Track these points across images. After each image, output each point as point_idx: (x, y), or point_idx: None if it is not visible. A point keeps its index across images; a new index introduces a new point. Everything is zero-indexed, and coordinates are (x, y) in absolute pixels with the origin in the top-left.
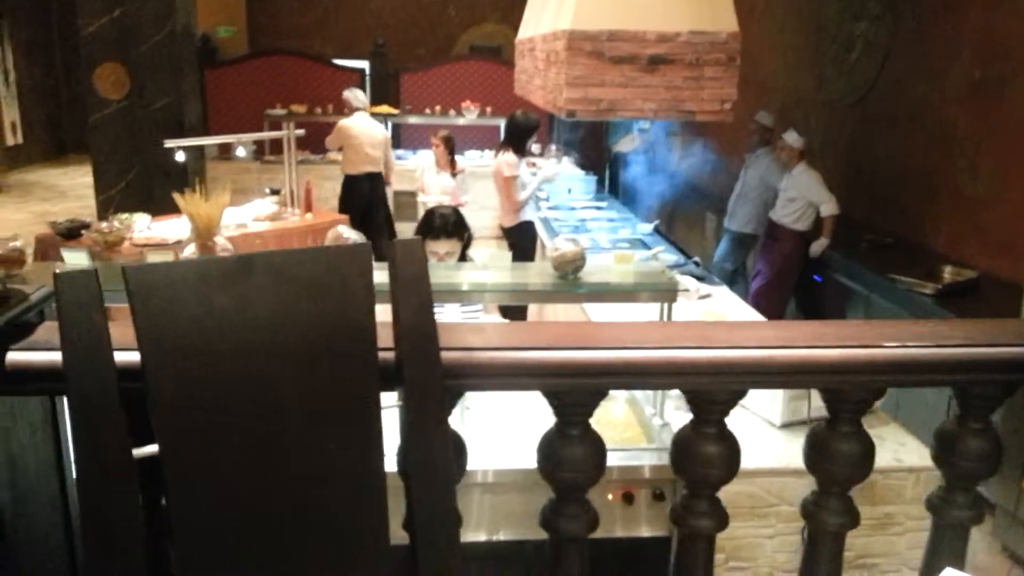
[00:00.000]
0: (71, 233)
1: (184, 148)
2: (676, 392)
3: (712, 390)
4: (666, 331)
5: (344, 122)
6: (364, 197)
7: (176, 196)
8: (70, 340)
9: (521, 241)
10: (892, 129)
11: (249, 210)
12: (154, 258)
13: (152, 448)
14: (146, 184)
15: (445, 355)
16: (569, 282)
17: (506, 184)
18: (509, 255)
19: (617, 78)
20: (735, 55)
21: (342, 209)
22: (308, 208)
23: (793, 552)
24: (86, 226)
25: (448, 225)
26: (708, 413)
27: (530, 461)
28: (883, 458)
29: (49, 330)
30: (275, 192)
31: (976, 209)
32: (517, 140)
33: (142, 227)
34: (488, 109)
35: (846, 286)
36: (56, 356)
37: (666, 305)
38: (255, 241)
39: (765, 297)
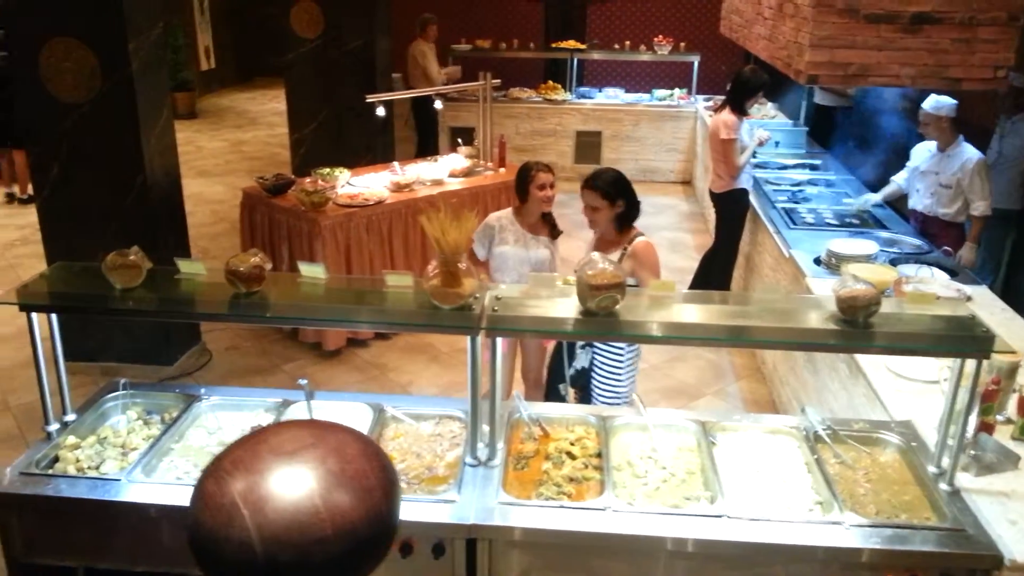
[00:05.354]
0: (277, 190)
1: (384, 102)
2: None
3: None
4: None
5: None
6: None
7: (423, 219)
8: None
9: (731, 209)
10: None
11: (444, 164)
12: (392, 281)
13: None
14: (336, 125)
15: None
16: (859, 330)
17: (724, 147)
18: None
19: (871, 39)
20: (1018, 13)
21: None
22: (501, 163)
23: None
24: (291, 183)
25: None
26: None
27: None
28: None
29: None
30: (467, 142)
31: None
32: (741, 99)
33: (343, 182)
34: (682, 45)
35: None
36: None
37: (971, 362)
38: (451, 200)
39: None
